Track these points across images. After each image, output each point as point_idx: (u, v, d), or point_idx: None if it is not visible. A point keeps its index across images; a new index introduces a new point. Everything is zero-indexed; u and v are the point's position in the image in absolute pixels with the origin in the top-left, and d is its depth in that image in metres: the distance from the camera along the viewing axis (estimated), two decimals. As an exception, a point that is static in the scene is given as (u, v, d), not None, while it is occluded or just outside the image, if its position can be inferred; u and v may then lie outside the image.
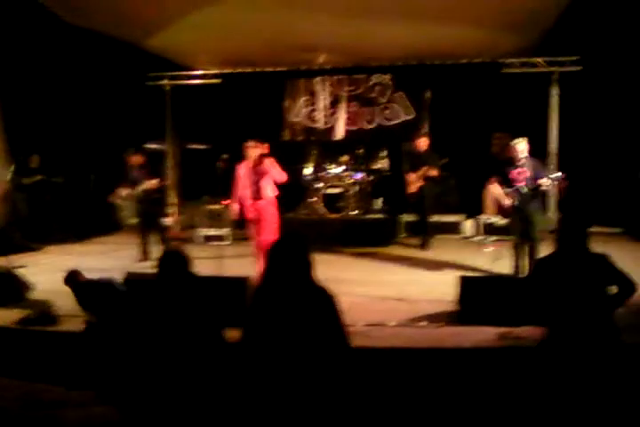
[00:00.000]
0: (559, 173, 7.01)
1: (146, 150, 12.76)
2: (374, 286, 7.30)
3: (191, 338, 3.78)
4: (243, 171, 7.61)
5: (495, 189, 7.42)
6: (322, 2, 8.03)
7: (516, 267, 7.32)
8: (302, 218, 10.89)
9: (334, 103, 12.21)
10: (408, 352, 5.05)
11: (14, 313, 6.12)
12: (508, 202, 7.21)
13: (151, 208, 9.01)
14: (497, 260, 7.83)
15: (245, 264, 7.53)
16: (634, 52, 9.69)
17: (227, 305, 5.20)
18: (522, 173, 7.18)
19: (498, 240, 9.96)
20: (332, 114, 12.24)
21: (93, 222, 11.77)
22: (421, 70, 11.67)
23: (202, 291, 4.03)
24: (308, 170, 11.21)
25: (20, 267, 7.88)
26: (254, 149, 7.52)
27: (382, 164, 11.37)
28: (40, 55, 10.65)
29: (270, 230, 7.44)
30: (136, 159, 8.93)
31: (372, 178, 11.20)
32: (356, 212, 10.67)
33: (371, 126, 12.16)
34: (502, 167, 7.31)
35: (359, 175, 10.95)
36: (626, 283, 4.18)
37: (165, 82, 12.64)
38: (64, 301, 6.37)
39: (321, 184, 10.84)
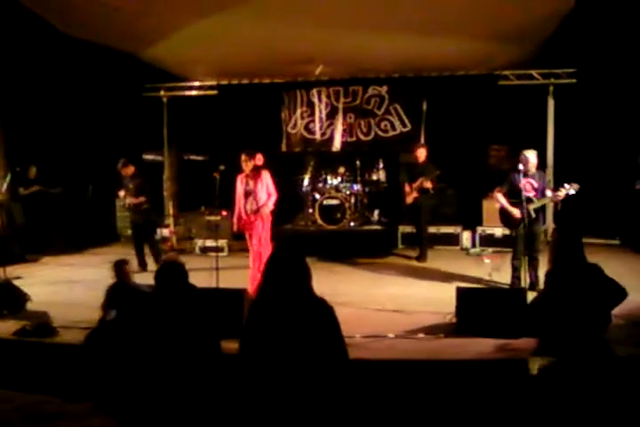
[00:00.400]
0: (575, 187, 6.97)
1: (143, 161, 12.92)
2: (372, 298, 7.29)
3: (188, 349, 3.77)
4: (239, 183, 7.64)
5: (501, 199, 7.41)
6: (319, 14, 8.05)
7: (516, 278, 7.31)
8: (299, 229, 10.90)
9: (331, 115, 12.25)
10: (406, 364, 5.03)
11: (12, 324, 6.09)
12: (517, 213, 7.16)
13: (140, 219, 9.06)
14: (495, 271, 7.83)
15: (243, 276, 7.52)
16: (629, 64, 9.74)
17: (224, 317, 5.24)
18: (530, 184, 7.20)
19: (495, 252, 9.98)
20: (329, 125, 12.28)
21: (91, 233, 11.77)
22: (418, 82, 11.73)
23: (199, 302, 4.02)
24: (305, 181, 11.22)
25: (17, 278, 7.86)
26: (247, 163, 7.50)
27: (379, 175, 11.39)
28: (38, 66, 10.67)
29: (264, 244, 7.43)
30: (127, 170, 8.95)
31: (368, 189, 11.23)
32: (353, 223, 10.68)
33: (367, 138, 12.19)
34: (507, 177, 7.25)
35: (356, 187, 10.97)
36: (616, 290, 4.21)
37: (162, 93, 12.68)
38: (60, 312, 6.37)
39: (318, 195, 10.85)
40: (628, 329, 5.54)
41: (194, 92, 12.63)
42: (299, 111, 12.45)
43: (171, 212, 11.69)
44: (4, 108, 10.48)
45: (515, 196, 7.16)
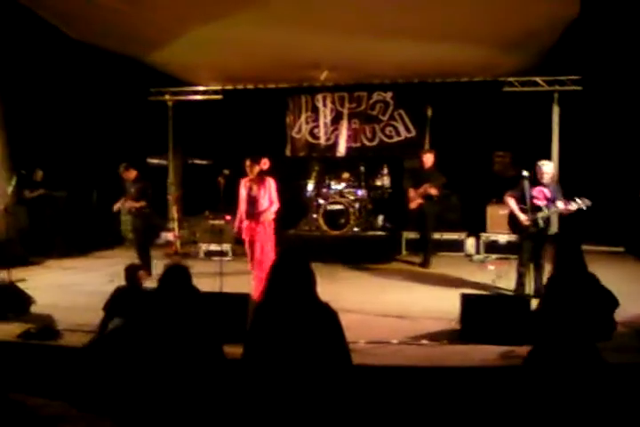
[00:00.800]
0: (587, 202, 6.96)
1: (147, 165, 12.95)
2: (375, 304, 7.27)
3: (190, 353, 3.77)
4: (242, 187, 7.59)
5: (512, 204, 7.40)
6: (324, 19, 8.08)
7: (521, 285, 7.29)
8: (303, 234, 10.90)
9: (336, 120, 12.27)
10: (409, 371, 5.02)
11: (16, 327, 6.10)
12: (525, 220, 7.16)
13: (140, 224, 9.00)
14: (499, 278, 7.82)
15: (247, 280, 7.51)
16: (634, 71, 9.74)
17: (227, 321, 5.24)
18: (543, 193, 7.19)
19: (499, 258, 9.97)
20: (334, 131, 12.30)
21: (95, 237, 11.78)
22: (423, 88, 11.75)
23: (203, 306, 4.02)
24: (309, 186, 11.22)
25: (21, 281, 7.87)
26: (252, 168, 7.44)
27: (383, 181, 11.39)
28: (44, 70, 10.72)
29: (266, 253, 7.33)
30: (129, 174, 8.90)
31: (373, 195, 11.23)
32: (357, 228, 10.67)
33: (372, 143, 12.21)
34: (519, 182, 7.18)
35: (360, 192, 10.97)
36: (609, 299, 4.21)
37: (168, 97, 12.73)
38: (64, 315, 6.37)
39: (322, 200, 10.85)
40: (631, 336, 5.54)
41: (199, 97, 12.66)
42: (303, 116, 12.48)
43: (175, 216, 11.70)
44: (11, 111, 10.51)
45: (524, 202, 7.15)
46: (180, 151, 13.28)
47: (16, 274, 8.16)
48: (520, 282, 7.32)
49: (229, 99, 12.40)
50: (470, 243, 10.87)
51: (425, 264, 9.73)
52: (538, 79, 11.11)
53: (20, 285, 7.33)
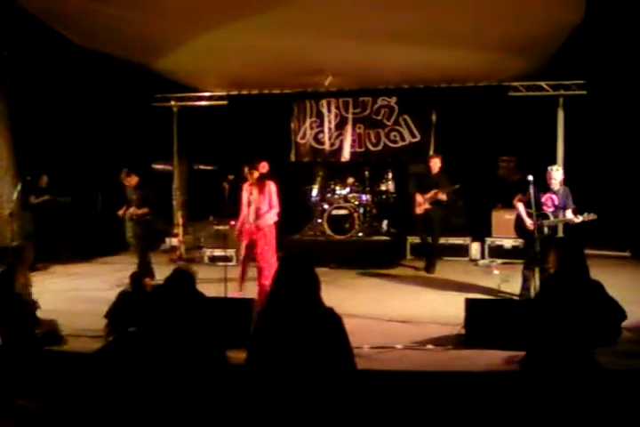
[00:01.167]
0: (593, 216, 6.94)
1: (153, 170, 12.97)
2: (380, 308, 7.26)
3: (194, 358, 3.76)
4: (244, 192, 7.54)
5: (520, 208, 7.37)
6: (329, 25, 8.09)
7: (526, 289, 7.26)
8: (308, 239, 10.89)
9: (340, 125, 12.28)
10: (414, 376, 5.00)
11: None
12: (530, 224, 7.13)
13: (141, 231, 8.95)
14: (504, 282, 7.80)
15: (250, 285, 7.51)
16: (638, 75, 9.72)
17: (231, 326, 5.24)
18: (552, 200, 7.17)
19: (504, 263, 9.94)
20: (338, 136, 12.31)
21: (100, 242, 11.80)
22: (427, 93, 11.74)
23: (207, 311, 4.02)
24: (314, 191, 11.22)
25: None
26: (251, 174, 7.37)
27: (388, 185, 11.39)
28: (50, 77, 10.76)
29: (267, 259, 7.25)
30: (130, 180, 8.83)
31: (377, 199, 11.22)
32: (362, 233, 10.66)
33: (376, 148, 12.20)
34: (528, 187, 7.11)
35: (365, 197, 10.96)
36: (616, 311, 4.17)
37: (173, 103, 12.75)
38: (69, 320, 6.37)
39: (327, 205, 10.84)
40: (636, 342, 5.51)
41: (204, 103, 12.68)
42: (308, 122, 12.49)
43: (180, 221, 11.71)
44: (16, 117, 10.55)
45: (530, 206, 7.11)
46: (185, 157, 13.30)
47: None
48: (525, 286, 7.29)
49: (234, 104, 12.42)
50: (475, 247, 10.85)
51: (430, 269, 9.71)
52: (543, 84, 11.09)
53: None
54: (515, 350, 5.33)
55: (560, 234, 7.54)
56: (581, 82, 10.80)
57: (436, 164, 9.65)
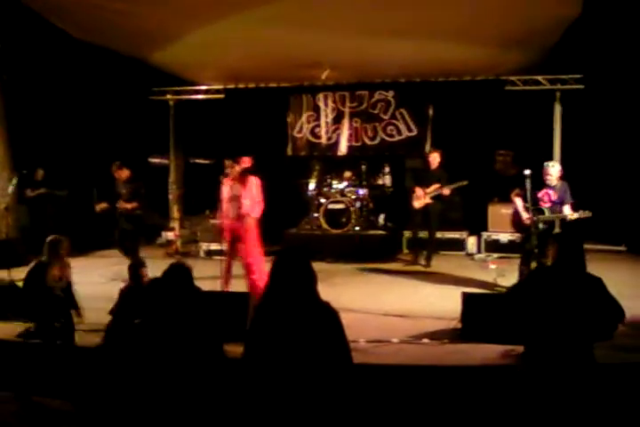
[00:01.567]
0: (588, 214, 6.94)
1: (149, 164, 12.94)
2: (376, 303, 7.27)
3: (191, 352, 3.76)
4: (225, 187, 7.40)
5: (517, 202, 7.39)
6: (326, 18, 8.06)
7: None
8: (304, 233, 10.90)
9: (337, 119, 12.26)
10: (410, 369, 5.01)
11: (16, 326, 6.09)
12: (527, 218, 7.11)
13: (129, 225, 8.85)
14: (500, 277, 7.81)
15: (236, 283, 7.43)
16: (636, 70, 9.72)
17: (228, 320, 5.24)
18: (548, 196, 7.17)
19: (501, 257, 9.95)
20: (335, 130, 12.29)
21: (96, 236, 11.77)
22: (424, 87, 11.73)
23: (203, 305, 4.02)
24: (310, 185, 11.21)
25: (21, 280, 7.84)
26: (232, 169, 7.30)
27: (385, 180, 11.38)
28: (46, 69, 10.72)
29: (253, 254, 7.20)
30: (121, 173, 8.77)
31: (374, 194, 11.22)
32: (358, 227, 10.66)
33: (373, 142, 12.19)
34: (524, 181, 7.06)
35: (361, 191, 10.96)
36: (615, 310, 4.17)
37: (169, 97, 12.72)
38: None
39: (323, 200, 10.84)
40: (632, 336, 5.52)
41: (200, 96, 12.65)
42: (305, 115, 12.46)
43: (176, 215, 11.70)
44: (12, 110, 10.51)
45: (526, 201, 7.10)
46: (182, 150, 13.27)
47: (17, 273, 8.17)
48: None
49: (231, 98, 12.39)
50: (472, 242, 10.87)
51: (426, 263, 9.71)
52: (540, 78, 11.08)
53: (21, 284, 7.32)
54: (511, 344, 5.35)
55: (557, 229, 7.53)
56: (578, 76, 10.80)
57: (435, 158, 9.65)
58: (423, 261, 9.79)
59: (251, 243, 7.23)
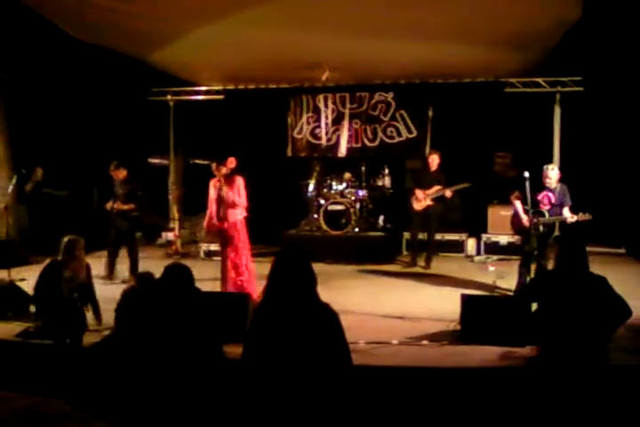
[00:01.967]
0: (588, 216, 6.95)
1: (148, 164, 12.93)
2: (376, 304, 7.27)
3: (191, 352, 3.76)
4: (212, 188, 7.40)
5: (516, 204, 7.40)
6: (326, 20, 8.06)
7: (522, 285, 7.26)
8: (304, 234, 10.89)
9: (337, 120, 12.25)
10: (409, 371, 5.01)
11: (15, 326, 6.10)
12: (526, 221, 7.13)
13: (125, 226, 8.82)
14: (500, 279, 7.81)
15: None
16: (636, 72, 9.73)
17: (227, 321, 5.24)
18: (548, 198, 7.18)
19: (500, 259, 9.96)
20: (335, 131, 12.28)
21: (96, 236, 11.75)
22: (424, 89, 11.74)
23: (203, 306, 4.02)
24: (310, 186, 11.21)
25: (22, 280, 7.86)
26: (218, 170, 7.26)
27: (384, 181, 11.38)
28: (46, 69, 10.71)
29: (241, 255, 7.19)
30: (119, 173, 8.75)
31: (374, 195, 11.21)
32: (358, 229, 10.66)
33: (373, 144, 12.18)
34: (523, 184, 7.01)
35: (361, 192, 10.96)
36: (621, 308, 4.17)
37: (169, 97, 12.72)
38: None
39: (323, 201, 10.83)
40: (632, 338, 5.53)
41: (200, 97, 12.65)
42: (305, 117, 12.46)
43: (176, 215, 11.69)
44: (12, 110, 10.51)
45: (526, 203, 7.10)
46: (181, 151, 13.26)
47: (16, 273, 8.18)
48: (521, 283, 7.30)
49: (231, 99, 12.39)
50: (471, 244, 10.87)
51: (426, 264, 9.72)
52: (539, 80, 11.09)
53: (21, 284, 7.33)
54: (510, 346, 5.36)
55: (557, 232, 7.55)
56: (578, 78, 10.81)
57: (434, 160, 9.65)
58: (423, 263, 9.80)
59: (240, 244, 7.24)
